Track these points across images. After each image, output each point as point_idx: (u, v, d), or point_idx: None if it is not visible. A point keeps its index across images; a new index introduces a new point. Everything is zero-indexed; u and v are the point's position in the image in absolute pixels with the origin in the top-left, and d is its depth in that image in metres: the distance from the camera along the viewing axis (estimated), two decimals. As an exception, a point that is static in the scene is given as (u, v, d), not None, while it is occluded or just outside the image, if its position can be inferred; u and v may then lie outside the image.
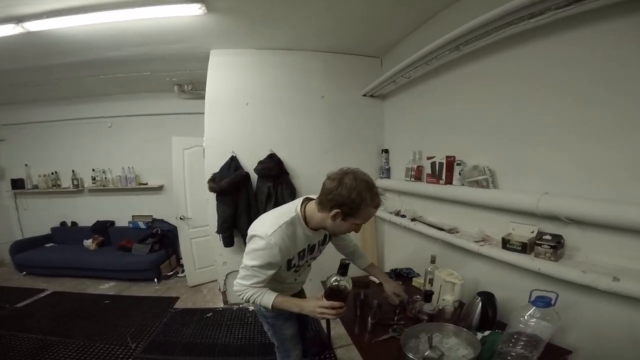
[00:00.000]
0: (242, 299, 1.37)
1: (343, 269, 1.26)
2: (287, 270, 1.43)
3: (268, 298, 1.33)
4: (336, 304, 1.25)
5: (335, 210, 1.25)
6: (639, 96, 1.23)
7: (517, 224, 1.76)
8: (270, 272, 1.33)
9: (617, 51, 1.30)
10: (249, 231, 1.40)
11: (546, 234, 1.57)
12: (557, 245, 1.48)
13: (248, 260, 1.32)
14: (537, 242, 1.56)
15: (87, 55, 3.02)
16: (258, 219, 1.46)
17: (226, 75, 3.15)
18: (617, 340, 1.34)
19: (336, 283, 1.25)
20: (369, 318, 1.72)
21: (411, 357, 1.21)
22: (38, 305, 3.56)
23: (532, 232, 1.66)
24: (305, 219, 1.38)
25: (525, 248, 1.63)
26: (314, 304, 1.30)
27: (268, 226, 1.30)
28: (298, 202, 1.42)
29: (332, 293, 1.26)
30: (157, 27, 2.54)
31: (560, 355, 1.44)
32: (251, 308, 3.03)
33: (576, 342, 1.48)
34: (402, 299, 1.82)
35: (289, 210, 1.39)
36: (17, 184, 4.89)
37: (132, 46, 2.90)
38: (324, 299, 1.29)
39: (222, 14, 2.40)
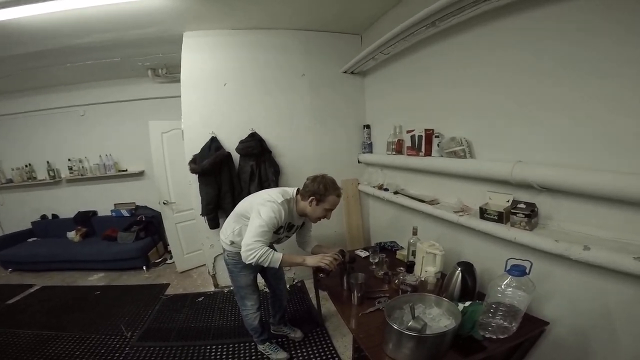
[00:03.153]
0: (254, 257, 1.69)
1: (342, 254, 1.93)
2: (274, 232, 1.86)
3: (277, 256, 1.75)
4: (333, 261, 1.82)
5: (311, 197, 1.85)
6: (606, 68, 1.26)
7: (493, 193, 1.82)
8: (274, 230, 1.82)
9: (584, 26, 1.32)
10: (254, 196, 2.01)
11: (520, 202, 1.63)
12: (530, 214, 1.54)
13: (266, 218, 1.75)
14: (512, 211, 1.61)
15: (51, 44, 2.85)
16: (263, 192, 1.99)
17: (201, 56, 3.05)
18: (590, 311, 1.40)
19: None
20: (355, 292, 1.79)
21: (395, 327, 1.27)
22: (29, 300, 3.53)
23: (508, 201, 1.72)
24: (296, 203, 1.93)
25: (501, 217, 1.69)
26: (319, 257, 1.83)
27: (277, 197, 1.85)
28: (294, 189, 1.97)
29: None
30: (125, 12, 2.40)
31: (538, 327, 1.50)
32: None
33: (553, 313, 1.55)
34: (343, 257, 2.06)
35: (288, 192, 1.94)
36: (-10, 180, 4.70)
37: (100, 32, 2.75)
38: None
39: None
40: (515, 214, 1.60)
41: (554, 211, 1.56)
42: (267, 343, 2.33)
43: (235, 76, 3.12)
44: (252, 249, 1.68)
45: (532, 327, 1.48)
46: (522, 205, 1.60)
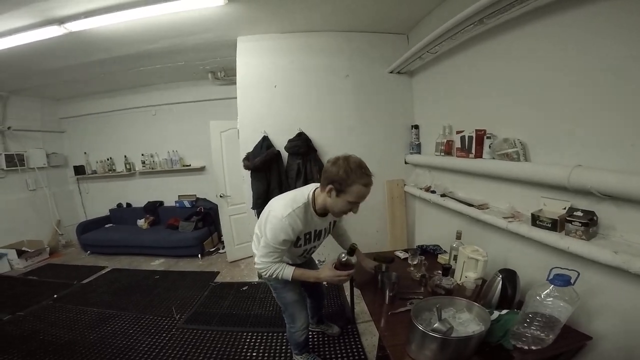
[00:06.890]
0: (266, 275, 1.61)
1: (351, 251, 1.62)
2: (294, 247, 1.66)
3: (288, 271, 1.59)
4: (345, 272, 1.61)
5: (329, 186, 1.44)
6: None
7: (548, 200, 1.68)
8: (285, 248, 1.58)
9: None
10: (266, 208, 1.66)
11: (577, 210, 1.48)
12: (589, 223, 1.39)
13: (269, 238, 1.52)
14: (568, 218, 1.47)
15: (125, 50, 3.22)
16: (275, 198, 1.69)
17: (254, 60, 3.24)
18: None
19: (345, 258, 1.62)
20: (387, 290, 1.75)
21: (421, 328, 1.22)
22: (99, 281, 3.93)
23: (564, 208, 1.57)
24: (314, 204, 1.59)
25: (555, 225, 1.55)
26: (331, 274, 1.61)
27: (284, 209, 1.51)
28: (310, 188, 1.63)
29: (342, 265, 1.62)
30: (185, 19, 2.65)
31: (578, 341, 1.36)
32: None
33: (602, 328, 1.40)
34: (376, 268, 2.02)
35: (302, 195, 1.59)
36: (79, 170, 5.43)
37: (165, 38, 3.05)
38: (334, 269, 1.62)
39: (242, 2, 2.45)
40: (571, 222, 1.46)
41: (618, 221, 1.39)
42: (305, 353, 2.12)
43: (284, 78, 3.25)
44: (262, 268, 1.61)
45: (572, 340, 1.34)
46: (579, 213, 1.45)
